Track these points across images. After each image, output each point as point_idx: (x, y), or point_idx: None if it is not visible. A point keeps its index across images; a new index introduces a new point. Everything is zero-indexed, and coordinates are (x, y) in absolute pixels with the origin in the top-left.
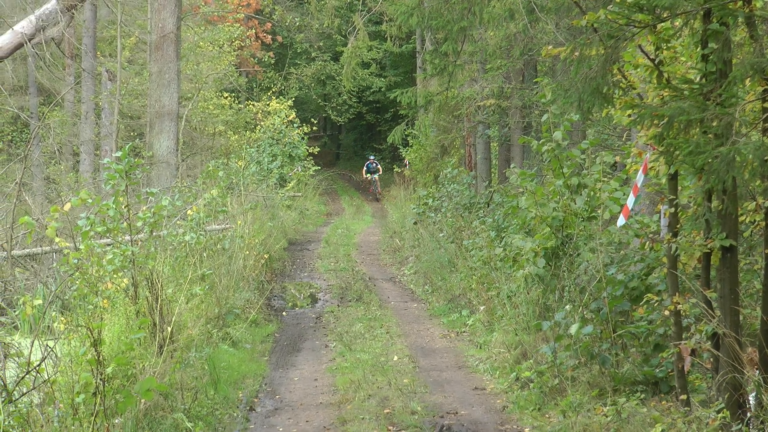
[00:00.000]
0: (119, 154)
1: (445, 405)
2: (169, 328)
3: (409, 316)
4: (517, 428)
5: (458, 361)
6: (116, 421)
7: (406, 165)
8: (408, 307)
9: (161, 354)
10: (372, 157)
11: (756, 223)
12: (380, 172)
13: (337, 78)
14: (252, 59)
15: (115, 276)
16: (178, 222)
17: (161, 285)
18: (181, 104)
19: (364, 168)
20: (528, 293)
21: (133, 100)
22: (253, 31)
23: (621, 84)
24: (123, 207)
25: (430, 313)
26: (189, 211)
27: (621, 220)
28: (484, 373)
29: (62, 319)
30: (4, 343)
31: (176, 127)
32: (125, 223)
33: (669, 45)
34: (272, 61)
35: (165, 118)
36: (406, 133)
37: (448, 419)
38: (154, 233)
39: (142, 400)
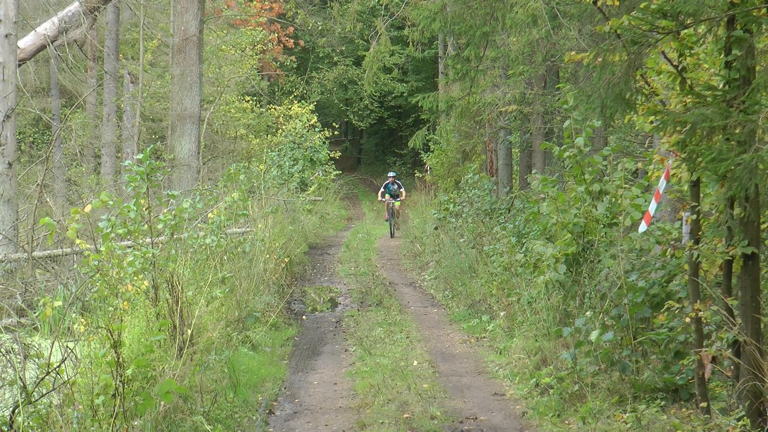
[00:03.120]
0: (141, 156)
1: (464, 410)
2: (189, 331)
3: (429, 321)
4: None
5: (478, 367)
6: (135, 423)
7: (427, 170)
8: (428, 312)
9: (181, 356)
10: (393, 175)
11: None
12: (403, 197)
13: (358, 82)
14: (274, 63)
15: (135, 278)
16: (198, 225)
17: (181, 287)
18: (203, 107)
19: (382, 189)
20: (548, 299)
21: (155, 103)
22: (276, 35)
23: (644, 90)
24: (144, 209)
25: (450, 318)
26: (210, 214)
27: (643, 227)
28: (503, 378)
29: (82, 320)
30: (25, 344)
31: (198, 130)
32: (146, 226)
33: (692, 51)
34: (294, 65)
35: (187, 121)
36: (427, 138)
37: (468, 424)
38: (174, 236)
39: (162, 403)
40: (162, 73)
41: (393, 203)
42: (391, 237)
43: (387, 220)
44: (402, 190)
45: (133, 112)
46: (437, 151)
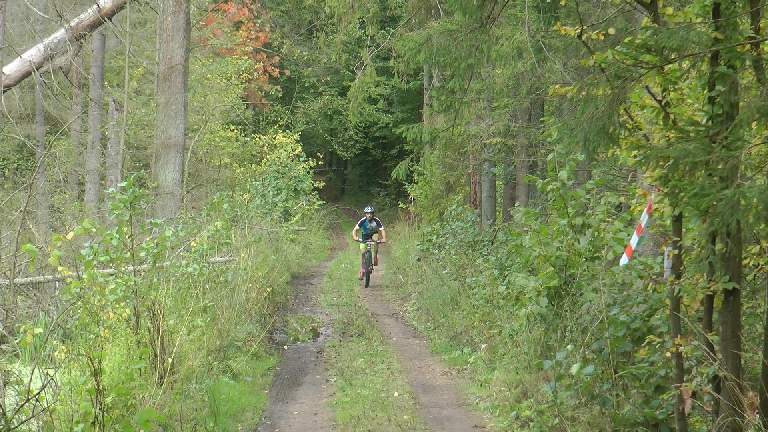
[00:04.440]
0: (124, 184)
1: None
2: (170, 359)
3: (411, 352)
4: None
5: (459, 399)
6: None
7: (410, 201)
8: (410, 344)
9: (161, 385)
10: (371, 210)
11: (760, 266)
12: (383, 239)
13: (343, 113)
14: (259, 92)
15: (117, 306)
16: (181, 253)
17: (163, 316)
18: (188, 136)
19: (357, 226)
20: (530, 332)
21: (140, 131)
22: (261, 64)
23: (627, 124)
24: (127, 237)
25: (432, 349)
26: (193, 243)
27: (624, 260)
28: (484, 411)
29: (63, 348)
30: (5, 371)
31: (182, 159)
32: (128, 253)
33: (676, 86)
34: (279, 95)
35: (171, 149)
36: (411, 169)
37: None
38: (157, 264)
39: (141, 431)
40: (147, 100)
41: (370, 248)
42: (366, 286)
43: (361, 279)
44: (381, 229)
45: (118, 140)
46: (421, 182)
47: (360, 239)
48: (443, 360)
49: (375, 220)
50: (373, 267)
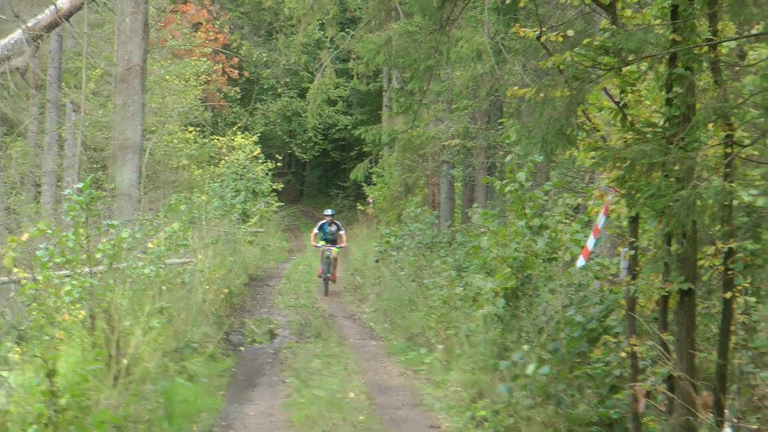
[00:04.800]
0: (81, 185)
1: None
2: (125, 361)
3: (368, 353)
4: None
5: (415, 399)
6: None
7: (369, 203)
8: (366, 345)
9: (116, 386)
10: (331, 213)
11: (715, 267)
12: (343, 243)
13: (302, 114)
14: (218, 94)
15: (72, 307)
16: (138, 255)
17: (119, 317)
18: (146, 137)
19: (316, 230)
20: (486, 333)
21: (97, 132)
22: (220, 65)
23: (585, 126)
24: (83, 238)
25: (389, 350)
26: (149, 244)
27: (581, 262)
28: (440, 411)
29: (17, 349)
30: None
31: (139, 160)
32: (84, 255)
33: (634, 88)
34: (238, 96)
35: (128, 151)
36: (370, 171)
37: None
38: (113, 265)
39: None
40: (104, 102)
41: (330, 252)
42: (326, 295)
43: (320, 276)
44: (342, 233)
45: (75, 141)
46: (380, 183)
47: (318, 245)
48: (400, 361)
49: (335, 223)
50: (334, 274)
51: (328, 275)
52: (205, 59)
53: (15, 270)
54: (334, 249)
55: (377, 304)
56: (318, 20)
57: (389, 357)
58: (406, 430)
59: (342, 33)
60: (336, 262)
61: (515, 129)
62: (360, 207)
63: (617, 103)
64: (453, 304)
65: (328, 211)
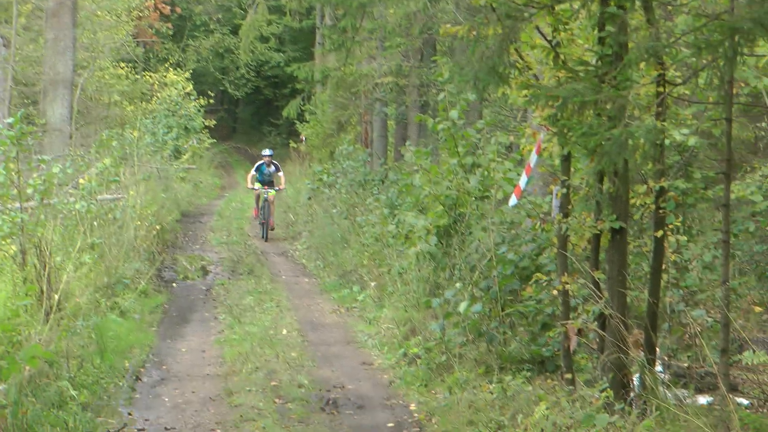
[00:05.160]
0: (11, 120)
1: (332, 379)
2: (57, 296)
3: (300, 290)
4: (403, 403)
5: (347, 336)
6: (0, 387)
7: (302, 140)
8: (299, 282)
9: (48, 321)
10: (269, 154)
11: (646, 206)
12: (282, 186)
13: (235, 51)
14: (150, 30)
15: (3, 242)
16: (69, 190)
17: (50, 253)
18: (77, 73)
19: (254, 171)
20: (419, 270)
21: (28, 67)
22: (152, 1)
23: (517, 64)
24: (13, 174)
25: (321, 288)
26: (81, 180)
27: (513, 200)
28: (372, 348)
29: None
30: None
31: (71, 96)
32: (15, 190)
33: (566, 27)
34: (170, 33)
35: (59, 86)
36: (303, 108)
37: (335, 393)
38: (44, 201)
39: (27, 367)
40: (35, 37)
41: (267, 194)
42: (265, 240)
43: (257, 218)
44: (280, 174)
45: (5, 76)
46: (312, 121)
47: (255, 187)
48: (332, 298)
49: (273, 164)
50: (272, 221)
51: (264, 221)
52: None
53: None
54: (271, 192)
55: (310, 241)
56: None
57: (322, 294)
58: (339, 366)
59: None
60: (273, 206)
61: (448, 67)
62: (293, 144)
63: (550, 41)
64: (385, 241)
65: (267, 152)
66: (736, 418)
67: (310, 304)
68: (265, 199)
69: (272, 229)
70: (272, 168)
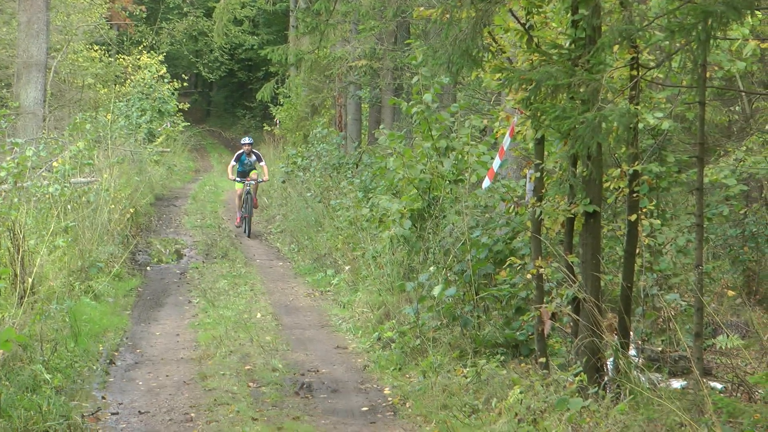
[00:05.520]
0: None
1: (306, 363)
2: (30, 279)
3: (274, 274)
4: (377, 387)
5: (321, 320)
6: None
7: (276, 124)
8: (273, 266)
9: (21, 305)
10: (249, 142)
11: (620, 189)
12: (265, 177)
13: (209, 34)
14: (123, 12)
15: None
16: (43, 173)
17: (23, 236)
18: (50, 55)
19: (234, 161)
20: (393, 254)
21: (1, 50)
22: None
23: (491, 47)
24: None
25: (296, 271)
26: (54, 163)
27: (486, 183)
28: (346, 332)
29: None
30: None
31: (44, 78)
32: None
33: (540, 10)
34: (144, 15)
35: (33, 69)
36: (277, 91)
37: (309, 377)
38: (18, 184)
39: (0, 351)
40: (8, 19)
41: (249, 188)
42: (248, 236)
43: (238, 226)
44: (263, 164)
45: None
46: (286, 104)
47: (237, 178)
48: (306, 282)
49: (254, 153)
50: (253, 209)
51: (247, 215)
52: None
53: None
54: (252, 185)
55: (284, 225)
56: None
57: (296, 278)
58: (313, 350)
59: None
60: (255, 194)
61: (422, 50)
62: (267, 127)
63: (523, 24)
64: (360, 225)
65: (246, 140)
66: (709, 402)
67: (285, 287)
68: (247, 192)
69: (255, 207)
70: (253, 157)
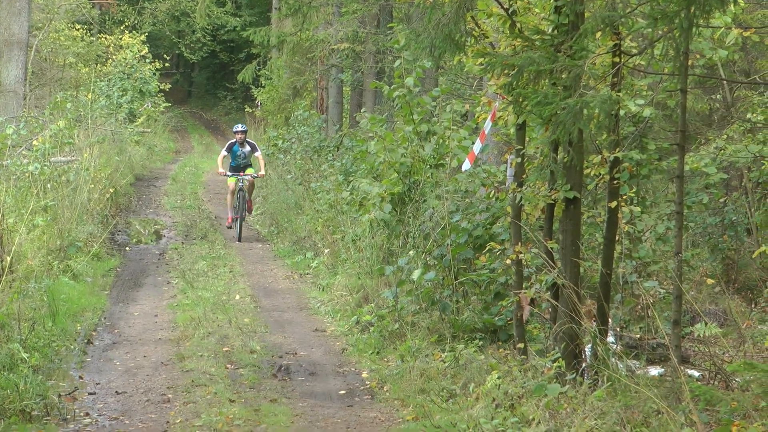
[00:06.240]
0: None
1: (284, 345)
2: (9, 258)
3: (254, 256)
4: (355, 371)
5: (300, 303)
6: None
7: (257, 105)
8: (253, 248)
9: None
10: (243, 130)
11: (601, 176)
12: (261, 171)
13: (191, 15)
14: None
15: None
16: (23, 152)
17: (2, 214)
18: (32, 34)
19: (224, 152)
20: (373, 238)
21: None
22: None
23: (474, 32)
24: None
25: (275, 254)
26: (35, 142)
27: (466, 165)
28: (325, 315)
29: None
30: None
31: (25, 57)
32: None
33: None
34: None
35: (14, 47)
36: (258, 73)
37: (287, 359)
38: None
39: None
40: None
41: (243, 181)
42: (239, 240)
43: (229, 227)
44: (258, 155)
45: None
46: (268, 86)
47: (228, 172)
48: (286, 264)
49: (248, 143)
50: (246, 213)
51: (239, 215)
52: None
53: None
54: (246, 179)
55: (264, 207)
56: None
57: (275, 260)
58: (291, 333)
59: None
60: (250, 203)
61: (404, 34)
62: (248, 109)
63: (506, 9)
64: (340, 208)
65: (239, 127)
66: (687, 389)
67: (264, 269)
68: (241, 188)
69: (250, 212)
70: (247, 148)
